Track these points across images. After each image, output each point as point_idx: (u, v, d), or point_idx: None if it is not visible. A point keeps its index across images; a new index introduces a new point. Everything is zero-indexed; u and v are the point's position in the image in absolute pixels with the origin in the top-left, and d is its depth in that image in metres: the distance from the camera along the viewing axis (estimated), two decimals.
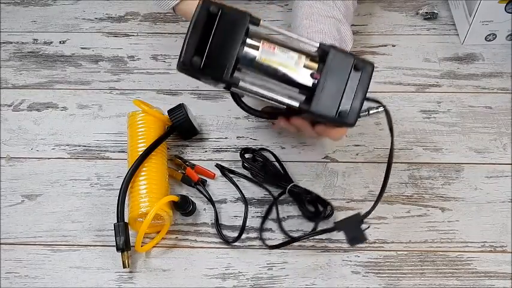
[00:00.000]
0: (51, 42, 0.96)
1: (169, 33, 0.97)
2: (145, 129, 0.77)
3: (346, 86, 0.63)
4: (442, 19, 0.98)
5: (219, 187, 0.79)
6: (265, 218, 0.75)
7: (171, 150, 0.82)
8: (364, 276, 0.71)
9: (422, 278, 0.71)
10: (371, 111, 0.67)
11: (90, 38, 0.97)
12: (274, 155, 0.80)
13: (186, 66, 0.60)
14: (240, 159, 0.79)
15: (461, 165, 0.81)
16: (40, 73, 0.92)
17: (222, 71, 0.60)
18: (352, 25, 0.86)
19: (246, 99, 0.72)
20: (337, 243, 0.74)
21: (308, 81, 0.64)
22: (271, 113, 0.74)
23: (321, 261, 0.72)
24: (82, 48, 0.95)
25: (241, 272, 0.72)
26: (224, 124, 0.85)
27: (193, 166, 0.79)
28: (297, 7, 0.86)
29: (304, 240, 0.73)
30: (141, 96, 0.88)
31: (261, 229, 0.74)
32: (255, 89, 0.63)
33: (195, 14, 0.60)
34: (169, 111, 0.80)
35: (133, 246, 0.71)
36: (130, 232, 0.71)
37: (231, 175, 0.79)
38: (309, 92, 0.64)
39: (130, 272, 0.72)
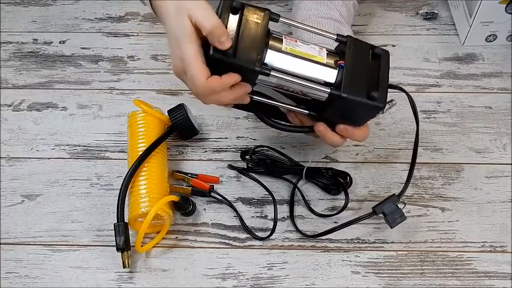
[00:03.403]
0: (51, 42, 0.96)
1: None
2: (145, 129, 0.77)
3: (369, 71, 0.64)
4: (442, 19, 0.98)
5: (216, 188, 0.79)
6: (291, 205, 0.76)
7: (171, 150, 0.82)
8: (364, 276, 0.71)
9: (422, 278, 0.71)
10: (385, 108, 0.67)
11: (90, 38, 0.97)
12: (274, 149, 0.80)
13: (218, 56, 0.59)
14: (239, 159, 0.79)
15: (461, 165, 0.81)
16: (40, 73, 0.92)
17: (253, 62, 0.60)
18: (352, 25, 0.86)
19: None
20: (337, 243, 0.74)
21: (332, 73, 0.64)
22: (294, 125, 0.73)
23: (321, 261, 0.72)
24: (82, 48, 0.95)
25: (241, 272, 0.72)
26: (224, 124, 0.85)
27: (195, 176, 0.79)
28: (296, 8, 0.86)
29: (313, 239, 0.73)
30: (141, 96, 0.88)
31: (293, 219, 0.75)
32: (285, 76, 0.63)
33: (218, 10, 0.61)
34: (169, 111, 0.80)
35: (134, 246, 0.71)
36: (130, 232, 0.71)
37: (236, 172, 0.79)
38: (333, 84, 0.64)
39: (130, 272, 0.72)
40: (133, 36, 0.97)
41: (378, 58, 0.65)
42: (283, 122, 0.73)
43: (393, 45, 0.94)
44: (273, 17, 0.63)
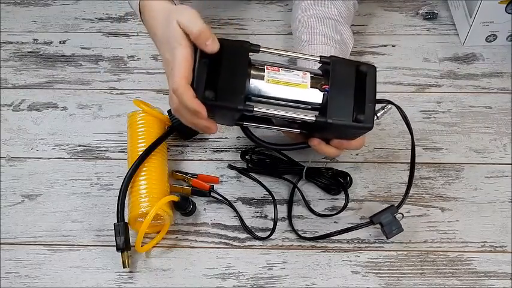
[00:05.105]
0: (51, 42, 0.96)
1: None
2: (145, 129, 0.77)
3: (355, 91, 0.63)
4: (442, 19, 0.98)
5: (216, 188, 0.79)
6: (290, 205, 0.76)
7: (171, 150, 0.82)
8: (364, 276, 0.71)
9: (422, 278, 0.71)
10: (379, 114, 0.66)
11: (90, 38, 0.97)
12: (273, 149, 0.80)
13: (200, 99, 0.59)
14: (239, 159, 0.79)
15: (461, 165, 0.81)
16: (40, 73, 0.92)
17: (235, 100, 0.60)
18: (352, 25, 0.87)
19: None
20: (337, 243, 0.74)
21: (318, 95, 0.64)
22: (282, 144, 0.74)
23: (321, 261, 0.72)
24: (82, 48, 0.95)
25: (241, 272, 0.72)
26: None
27: (195, 176, 0.79)
28: (296, 8, 0.86)
29: (315, 240, 0.74)
30: (141, 96, 0.88)
31: (290, 219, 0.75)
32: (270, 111, 0.63)
33: (198, 51, 0.60)
34: (169, 111, 0.80)
35: (134, 246, 0.71)
36: (130, 232, 0.71)
37: (238, 173, 0.79)
38: (319, 106, 0.64)
39: (130, 272, 0.72)
40: (133, 36, 0.97)
41: (364, 75, 0.64)
42: (278, 143, 0.73)
43: (393, 45, 0.94)
44: (253, 49, 0.62)
